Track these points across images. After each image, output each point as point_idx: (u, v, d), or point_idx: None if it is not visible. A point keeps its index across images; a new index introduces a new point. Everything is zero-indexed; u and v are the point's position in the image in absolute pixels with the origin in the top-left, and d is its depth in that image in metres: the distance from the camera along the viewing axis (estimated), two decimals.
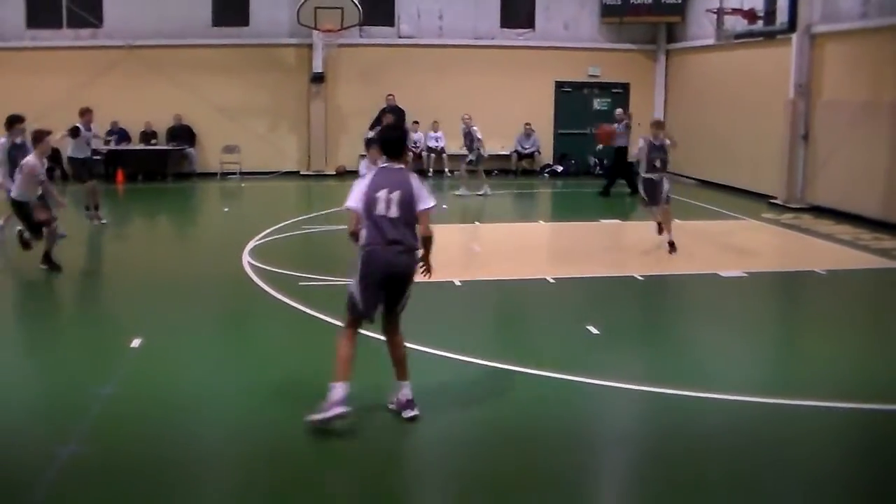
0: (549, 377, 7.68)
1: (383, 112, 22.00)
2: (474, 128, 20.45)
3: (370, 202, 6.56)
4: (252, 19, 24.24)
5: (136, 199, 21.30)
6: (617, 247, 15.16)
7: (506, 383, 7.65)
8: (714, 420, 6.96)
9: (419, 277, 6.89)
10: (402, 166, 6.78)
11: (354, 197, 6.68)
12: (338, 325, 9.06)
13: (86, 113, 16.78)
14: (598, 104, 25.56)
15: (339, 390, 6.41)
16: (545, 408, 7.15)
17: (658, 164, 13.33)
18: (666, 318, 10.61)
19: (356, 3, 22.32)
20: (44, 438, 6.41)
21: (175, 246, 15.87)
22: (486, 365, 7.99)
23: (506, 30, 24.85)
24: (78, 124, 16.53)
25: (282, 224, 15.83)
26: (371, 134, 17.74)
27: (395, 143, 6.85)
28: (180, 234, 17.39)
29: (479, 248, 13.90)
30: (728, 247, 14.30)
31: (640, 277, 11.82)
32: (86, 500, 5.54)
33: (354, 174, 22.97)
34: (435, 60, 24.19)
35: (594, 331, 9.13)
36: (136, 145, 23.51)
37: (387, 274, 6.60)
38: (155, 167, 23.30)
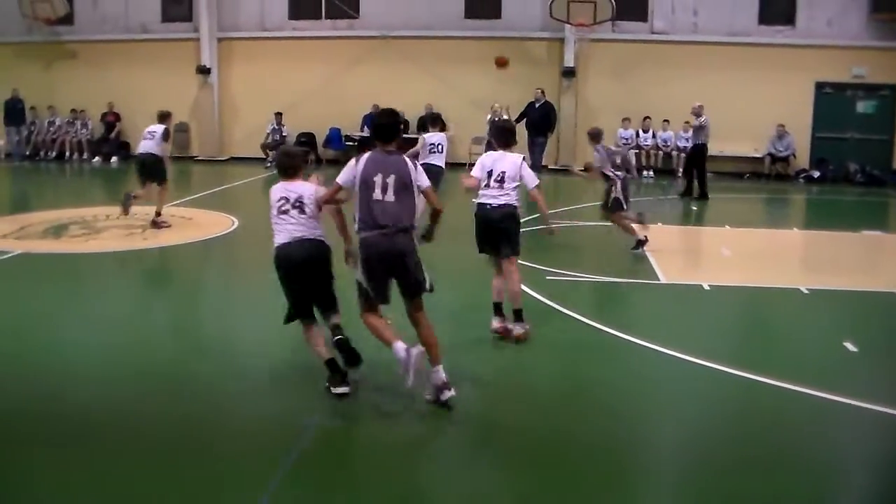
0: (797, 392, 7.24)
1: (531, 105, 22.10)
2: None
3: (365, 187, 6.56)
4: (504, 12, 24.53)
5: None
6: (879, 260, 14.30)
7: (751, 394, 7.27)
8: None
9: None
10: (395, 150, 6.75)
11: (344, 176, 6.74)
12: (580, 319, 9.16)
13: None
14: (861, 107, 24.11)
15: (398, 349, 6.44)
16: (795, 426, 6.79)
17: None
18: None
19: None
20: (294, 411, 6.70)
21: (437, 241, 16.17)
22: (731, 373, 7.67)
23: (763, 26, 23.87)
24: None
25: (528, 217, 15.88)
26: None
27: (387, 129, 6.78)
28: (442, 226, 17.73)
29: (728, 253, 13.46)
30: None
31: None
32: (330, 468, 5.78)
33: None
34: (687, 57, 23.59)
35: (851, 348, 8.61)
36: None
37: (385, 259, 6.58)
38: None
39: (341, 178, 6.75)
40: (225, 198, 18.58)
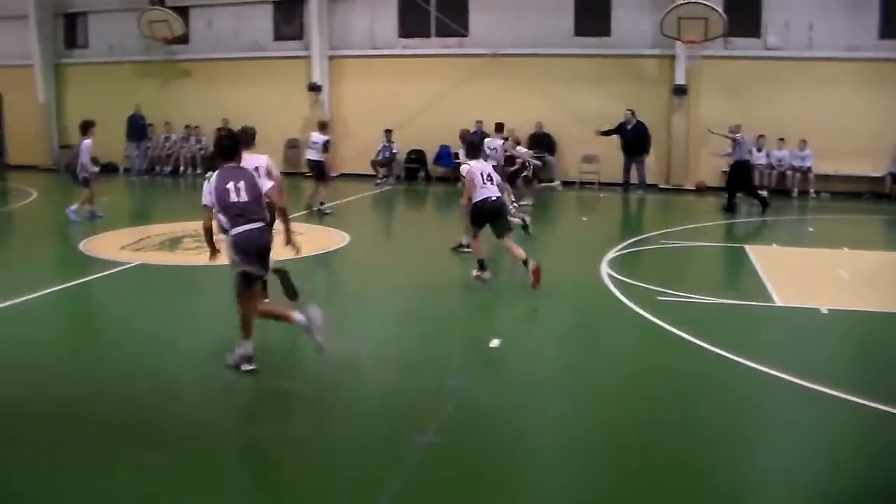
0: None
1: (622, 126, 22.18)
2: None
3: (221, 195, 7.82)
4: (614, 29, 24.34)
5: None
6: None
7: (874, 424, 7.04)
8: None
9: (291, 253, 8.47)
10: (237, 164, 8.19)
11: (206, 196, 7.94)
12: (694, 342, 8.99)
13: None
14: None
15: (297, 316, 7.74)
16: None
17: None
18: None
19: (721, 13, 21.77)
20: (406, 426, 6.71)
21: (534, 251, 16.16)
22: (853, 401, 7.43)
23: (885, 41, 23.04)
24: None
25: (640, 237, 15.77)
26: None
27: (228, 149, 8.28)
28: (538, 240, 17.72)
29: (846, 275, 13.06)
30: None
31: None
32: (438, 489, 5.74)
33: (716, 190, 22.59)
34: (802, 73, 22.95)
35: None
36: None
37: (256, 248, 7.82)
38: (515, 172, 23.88)
39: (204, 200, 7.96)
40: (336, 214, 18.81)
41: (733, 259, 13.56)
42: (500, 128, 18.94)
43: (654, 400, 7.54)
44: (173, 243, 14.87)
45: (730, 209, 19.78)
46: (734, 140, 19.65)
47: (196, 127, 27.51)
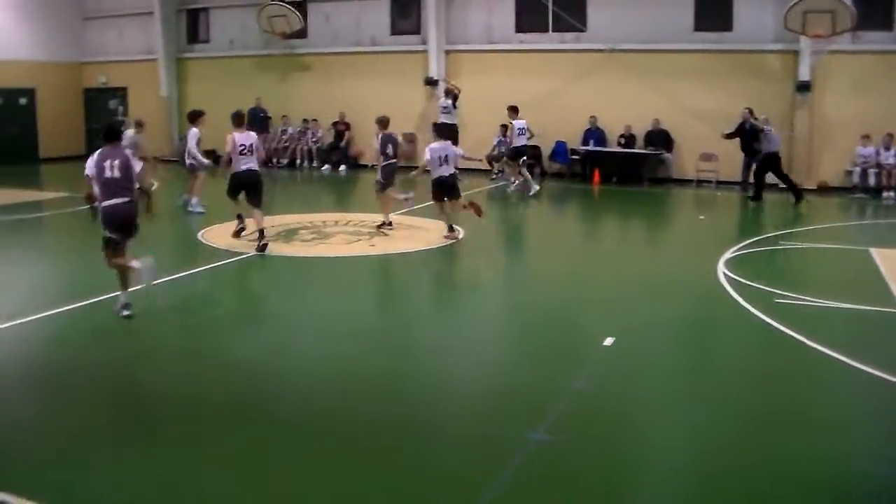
0: None
1: (742, 126, 21.44)
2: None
3: (100, 170, 9.38)
4: (736, 24, 23.70)
5: (610, 201, 21.86)
6: None
7: None
8: None
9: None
10: (118, 145, 9.77)
11: (89, 168, 9.50)
12: (812, 346, 8.72)
13: None
14: None
15: (135, 264, 9.46)
16: None
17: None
18: None
19: (850, 5, 21.03)
20: (516, 423, 6.71)
21: (648, 249, 16.04)
22: None
23: None
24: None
25: (758, 237, 15.40)
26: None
27: (111, 132, 9.77)
28: (653, 238, 17.54)
29: None
30: None
31: None
32: (546, 488, 5.69)
33: (839, 190, 21.92)
34: None
35: None
36: (614, 147, 24.08)
37: (119, 220, 9.45)
38: (631, 170, 23.72)
39: (87, 171, 9.51)
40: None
41: (856, 262, 13.11)
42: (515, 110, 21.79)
43: (769, 402, 7.36)
44: (289, 234, 15.16)
45: (756, 198, 20.55)
46: (763, 132, 20.35)
47: (314, 120, 27.92)
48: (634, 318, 10.08)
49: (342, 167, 26.90)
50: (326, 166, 27.20)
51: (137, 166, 9.76)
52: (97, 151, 9.62)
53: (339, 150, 27.40)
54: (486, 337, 9.60)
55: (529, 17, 25.75)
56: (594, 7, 24.85)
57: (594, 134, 24.41)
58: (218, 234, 14.85)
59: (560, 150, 25.34)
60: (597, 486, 5.81)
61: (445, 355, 8.74)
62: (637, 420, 6.97)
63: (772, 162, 20.31)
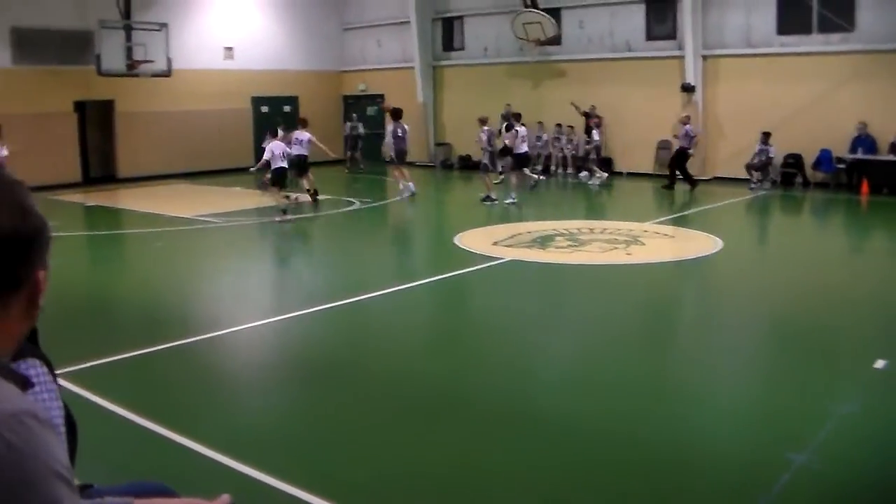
0: None
1: None
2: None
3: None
4: None
5: (880, 213, 20.38)
6: None
7: None
8: None
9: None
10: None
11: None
12: None
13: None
14: None
15: None
16: None
17: None
18: None
19: None
20: (779, 444, 6.41)
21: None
22: None
23: None
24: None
25: None
26: None
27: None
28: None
29: None
30: None
31: None
32: None
33: None
34: None
35: None
36: (885, 156, 22.45)
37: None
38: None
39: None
40: (708, 218, 18.36)
41: None
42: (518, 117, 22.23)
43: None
44: (545, 241, 15.20)
45: (670, 187, 23.20)
46: (684, 131, 23.37)
47: (570, 126, 27.78)
48: None
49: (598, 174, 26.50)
50: (583, 173, 26.74)
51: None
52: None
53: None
54: (744, 354, 9.24)
55: (792, 18, 24.55)
56: (864, 6, 23.35)
57: (864, 141, 22.90)
58: (476, 239, 15.14)
59: (825, 159, 23.98)
60: None
61: (704, 370, 8.51)
62: None
63: (682, 156, 21.19)
